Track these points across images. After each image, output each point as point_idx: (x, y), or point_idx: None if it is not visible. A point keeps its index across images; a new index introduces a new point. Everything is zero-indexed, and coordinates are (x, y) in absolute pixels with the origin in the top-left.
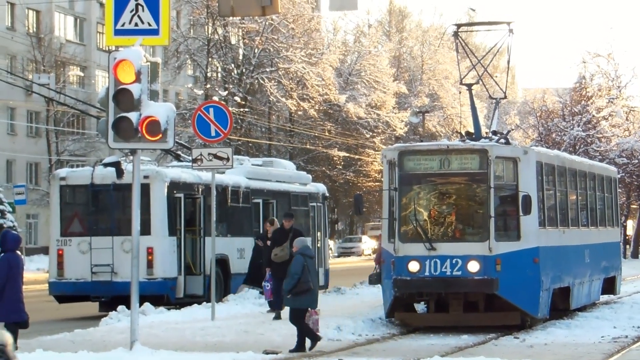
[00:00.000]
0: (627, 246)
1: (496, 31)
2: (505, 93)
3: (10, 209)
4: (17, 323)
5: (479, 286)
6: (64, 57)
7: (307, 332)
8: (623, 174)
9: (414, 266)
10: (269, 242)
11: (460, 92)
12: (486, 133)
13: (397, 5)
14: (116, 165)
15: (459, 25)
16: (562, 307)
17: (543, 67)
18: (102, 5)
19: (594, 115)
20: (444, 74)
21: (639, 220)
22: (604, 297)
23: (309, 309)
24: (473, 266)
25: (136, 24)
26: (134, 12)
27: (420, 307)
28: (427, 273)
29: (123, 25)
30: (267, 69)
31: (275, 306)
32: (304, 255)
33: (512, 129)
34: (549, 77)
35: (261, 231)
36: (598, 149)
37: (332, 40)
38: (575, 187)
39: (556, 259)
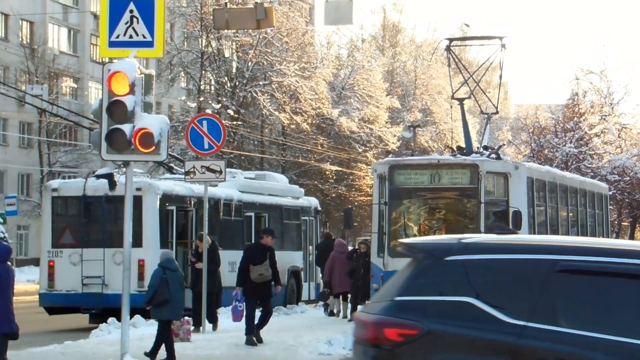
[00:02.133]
0: None
1: (489, 46)
2: (497, 108)
3: (1, 220)
4: (7, 334)
5: None
6: (57, 69)
7: (167, 345)
8: (615, 191)
9: None
10: (193, 259)
11: (452, 107)
12: (477, 148)
13: (391, 20)
14: (109, 177)
15: (451, 40)
16: None
17: (536, 84)
18: (96, 17)
19: (586, 132)
20: (437, 89)
21: (630, 238)
22: None
23: (178, 320)
24: None
25: (131, 36)
26: (128, 24)
27: None
28: None
29: (117, 37)
30: (261, 82)
31: (249, 330)
32: (164, 267)
33: (504, 144)
34: (542, 93)
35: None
36: (590, 165)
37: (326, 55)
38: (566, 203)
39: None
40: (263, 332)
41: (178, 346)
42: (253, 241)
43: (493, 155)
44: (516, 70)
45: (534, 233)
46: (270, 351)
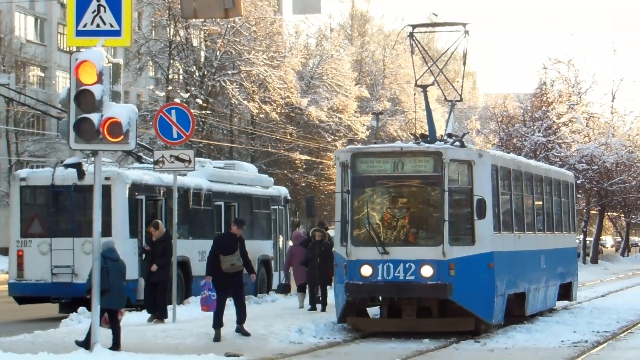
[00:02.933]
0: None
1: (454, 34)
2: (461, 96)
3: None
4: None
5: (433, 291)
6: (24, 58)
7: (115, 332)
8: (583, 180)
9: (366, 270)
10: (147, 247)
11: (415, 95)
12: (441, 136)
13: (359, 9)
14: (77, 166)
15: (414, 26)
16: (517, 313)
17: (504, 73)
18: (63, 5)
19: (554, 121)
20: (406, 79)
21: (598, 226)
22: (561, 303)
23: (119, 309)
24: (426, 271)
25: (98, 25)
26: (95, 12)
27: (373, 311)
28: (379, 277)
29: (85, 26)
30: (229, 72)
31: (216, 324)
32: (105, 257)
33: (468, 132)
34: (511, 82)
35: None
36: (558, 154)
37: (294, 44)
38: (532, 191)
39: (511, 264)
40: (231, 321)
41: (149, 335)
42: (223, 230)
43: (457, 143)
44: (485, 60)
45: (499, 222)
46: (241, 340)
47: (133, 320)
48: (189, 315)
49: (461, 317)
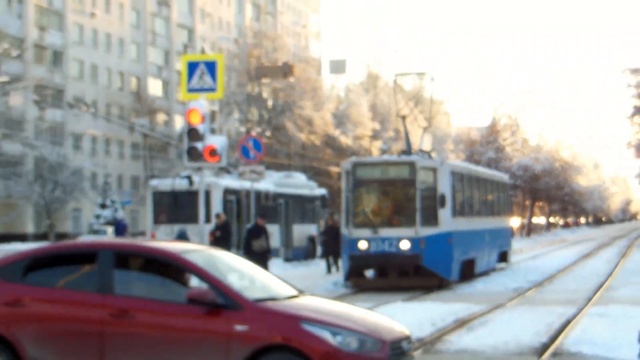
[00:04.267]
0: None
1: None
2: (429, 123)
3: (121, 207)
4: None
5: (409, 259)
6: (155, 107)
7: None
8: (520, 182)
9: (362, 245)
10: (218, 233)
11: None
12: (416, 151)
13: (373, 71)
14: (189, 177)
15: (396, 75)
16: (469, 272)
17: (470, 110)
18: (179, 73)
19: (501, 144)
20: None
21: (530, 212)
22: (502, 265)
23: None
24: (404, 245)
25: (201, 85)
26: (200, 76)
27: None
28: (372, 250)
29: (193, 85)
30: (287, 114)
31: None
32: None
33: (433, 149)
34: (474, 116)
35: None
36: (504, 166)
37: (330, 95)
38: (479, 188)
39: (464, 239)
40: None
41: None
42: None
43: (426, 156)
44: (457, 101)
45: (455, 210)
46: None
47: None
48: None
49: (429, 277)
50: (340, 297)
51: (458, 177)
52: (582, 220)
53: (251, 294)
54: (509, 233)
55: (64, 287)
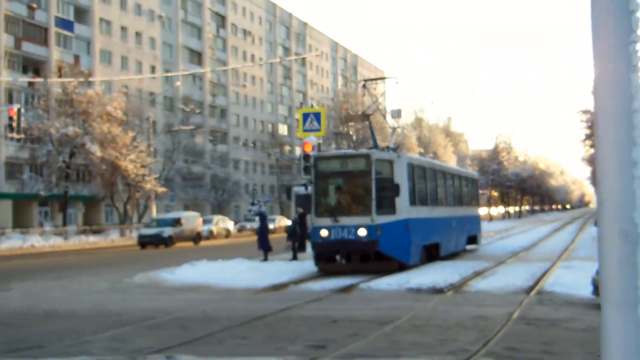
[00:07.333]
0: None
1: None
2: (396, 125)
3: (264, 204)
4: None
5: (366, 245)
6: (283, 141)
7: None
8: (514, 184)
9: (324, 233)
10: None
11: (363, 121)
12: (382, 147)
13: (419, 115)
14: (305, 185)
15: (365, 80)
16: (435, 255)
17: (485, 135)
18: (297, 120)
19: (500, 159)
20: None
21: (520, 202)
22: (471, 247)
23: None
24: (361, 232)
25: (311, 127)
26: (310, 122)
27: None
28: (332, 237)
29: (306, 127)
30: (364, 144)
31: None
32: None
33: (399, 144)
34: (485, 140)
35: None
36: (503, 173)
37: (390, 131)
38: (444, 182)
39: (426, 226)
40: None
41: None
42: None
43: (388, 150)
44: (472, 130)
45: (414, 199)
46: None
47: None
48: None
49: (389, 260)
50: (307, 280)
51: (419, 170)
52: (554, 207)
53: None
54: (477, 220)
55: None
